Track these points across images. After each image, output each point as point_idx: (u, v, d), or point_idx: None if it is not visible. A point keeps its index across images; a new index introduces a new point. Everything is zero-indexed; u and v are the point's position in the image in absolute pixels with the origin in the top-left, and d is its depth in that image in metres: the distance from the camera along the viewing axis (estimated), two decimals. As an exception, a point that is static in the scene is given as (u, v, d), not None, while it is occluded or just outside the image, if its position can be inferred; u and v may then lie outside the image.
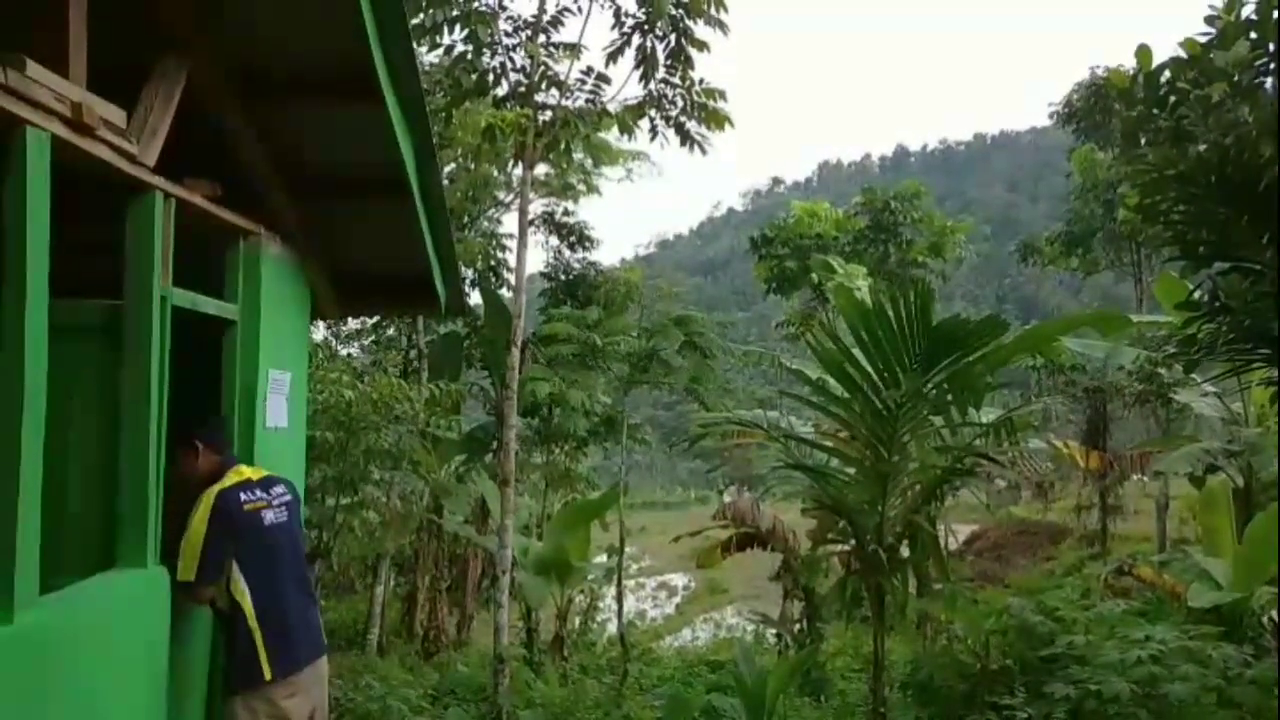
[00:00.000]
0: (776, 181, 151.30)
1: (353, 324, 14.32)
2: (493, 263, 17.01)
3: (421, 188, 4.93)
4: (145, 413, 3.33)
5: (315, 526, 7.14)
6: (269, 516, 3.85)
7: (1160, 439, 13.81)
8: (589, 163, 14.61)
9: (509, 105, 7.83)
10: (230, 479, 3.80)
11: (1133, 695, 5.59)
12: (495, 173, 15.58)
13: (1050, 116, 18.52)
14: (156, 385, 3.38)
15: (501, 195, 16.39)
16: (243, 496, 3.76)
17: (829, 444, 6.87)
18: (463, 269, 16.37)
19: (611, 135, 12.51)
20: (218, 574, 3.64)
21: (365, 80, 4.02)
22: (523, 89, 7.76)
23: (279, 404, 4.51)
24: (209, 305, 3.94)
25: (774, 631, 12.51)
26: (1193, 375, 10.36)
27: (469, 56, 7.50)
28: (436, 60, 9.79)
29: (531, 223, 17.15)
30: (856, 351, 6.16)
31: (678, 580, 28.89)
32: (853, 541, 6.51)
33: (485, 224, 16.53)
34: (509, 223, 18.23)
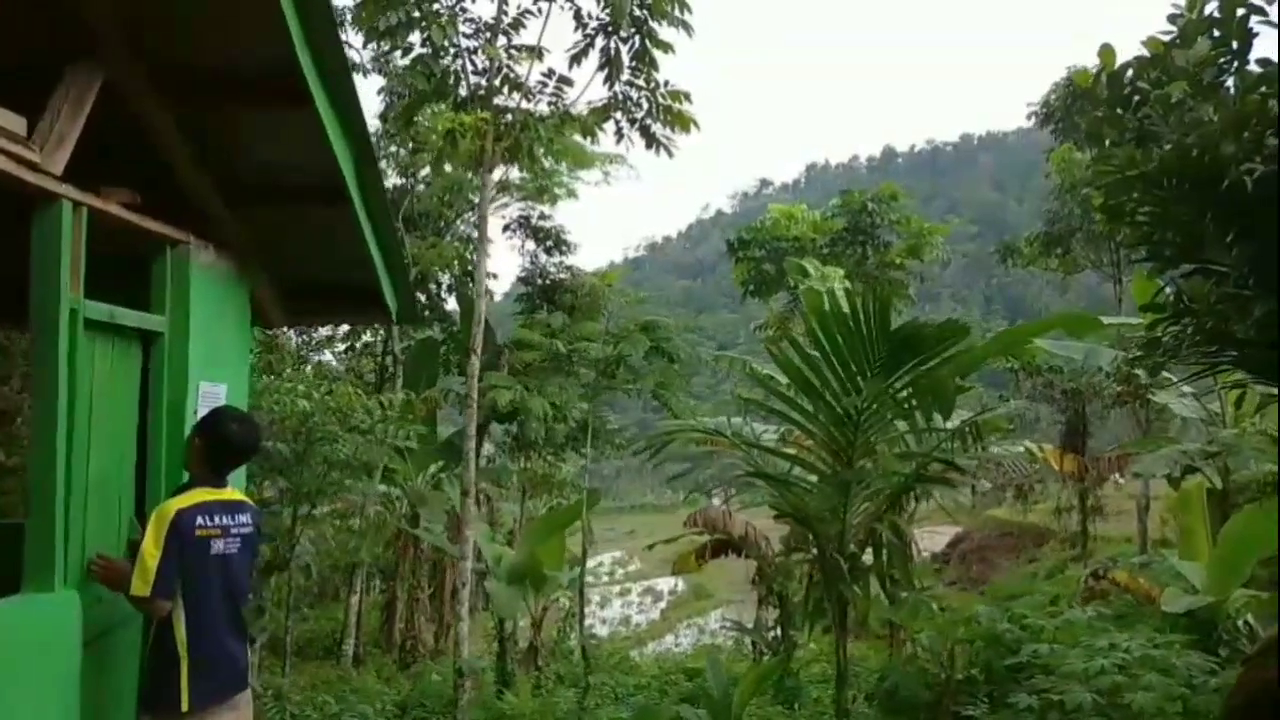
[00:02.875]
0: (764, 183, 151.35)
1: (323, 331, 14.20)
2: (469, 268, 16.92)
3: (363, 195, 4.81)
4: (53, 429, 3.21)
5: (271, 539, 7.02)
6: (217, 546, 3.71)
7: (1139, 440, 13.74)
8: (563, 166, 14.50)
9: (469, 108, 7.72)
10: (195, 497, 3.67)
11: (1096, 705, 5.51)
12: (470, 176, 15.49)
13: (1028, 117, 18.51)
14: (65, 400, 3.25)
15: (477, 199, 16.31)
16: (199, 520, 3.64)
17: (792, 451, 6.76)
18: (439, 274, 16.29)
19: (587, 139, 12.44)
20: (172, 588, 3.53)
21: (294, 85, 3.91)
22: (481, 92, 7.64)
23: (211, 417, 4.37)
24: (129, 317, 3.82)
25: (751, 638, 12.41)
26: (1169, 376, 10.28)
27: (425, 59, 7.39)
28: (406, 64, 9.68)
29: (507, 227, 17.08)
30: (819, 357, 6.06)
31: (663, 585, 28.80)
32: (815, 549, 6.41)
33: (461, 228, 16.44)
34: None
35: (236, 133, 4.34)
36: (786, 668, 9.79)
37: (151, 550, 3.48)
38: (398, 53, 7.94)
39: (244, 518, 3.86)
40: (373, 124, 16.17)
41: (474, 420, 7.35)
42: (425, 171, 16.18)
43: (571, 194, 15.84)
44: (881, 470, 6.21)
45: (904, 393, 6.11)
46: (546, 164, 14.11)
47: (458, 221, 16.07)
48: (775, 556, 8.69)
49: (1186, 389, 12.38)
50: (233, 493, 3.89)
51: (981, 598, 11.20)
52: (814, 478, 6.49)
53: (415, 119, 9.13)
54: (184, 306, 4.15)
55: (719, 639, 18.24)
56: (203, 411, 4.29)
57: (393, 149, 16.19)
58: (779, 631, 10.86)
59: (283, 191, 4.77)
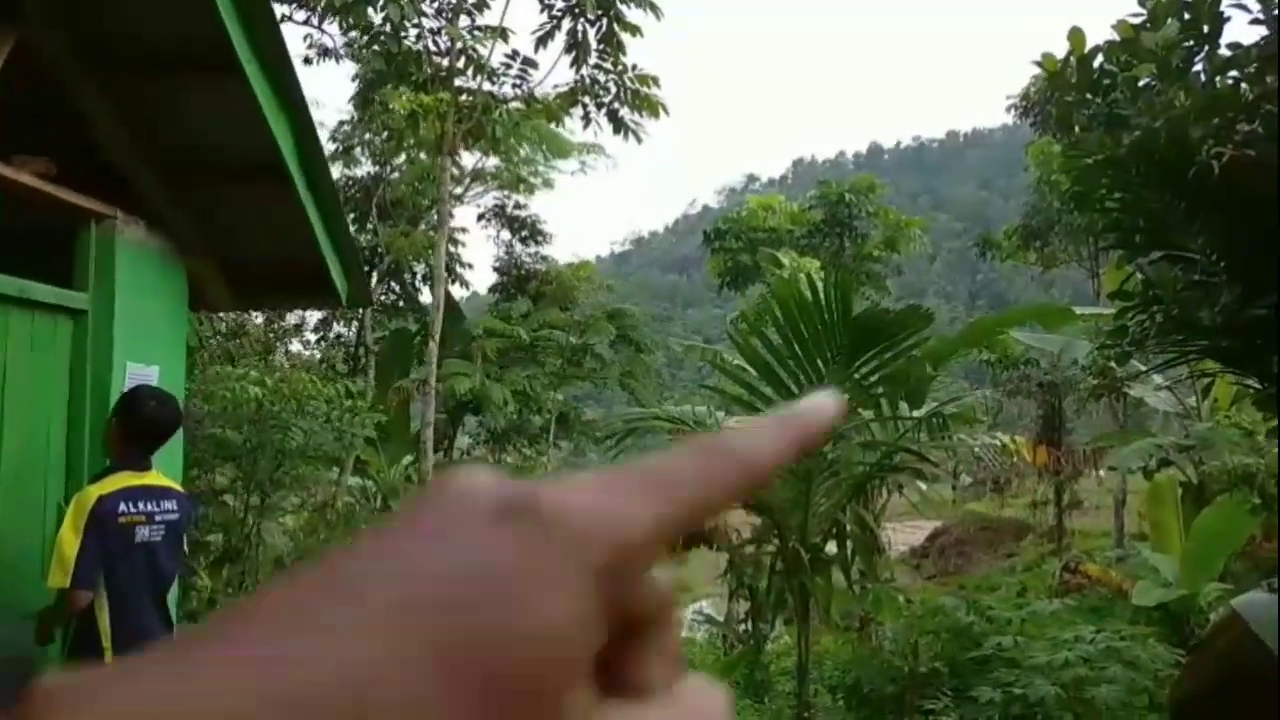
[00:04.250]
0: (751, 178, 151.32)
1: (290, 319, 14.01)
2: (445, 257, 16.74)
3: (306, 174, 4.65)
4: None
5: (221, 529, 6.85)
6: (142, 533, 3.56)
7: (1115, 433, 13.70)
8: (539, 155, 14.32)
9: (429, 89, 7.56)
10: (117, 483, 3.52)
11: (1059, 699, 5.41)
12: (444, 162, 15.30)
13: (1007, 110, 18.40)
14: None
15: (452, 187, 16.12)
16: (121, 506, 3.48)
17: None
18: (413, 264, 16.10)
19: (559, 125, 12.26)
20: (93, 578, 3.37)
21: (224, 57, 3.76)
22: (444, 73, 7.48)
23: (142, 400, 4.21)
24: (45, 293, 3.66)
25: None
26: (1138, 365, 10.22)
27: (382, 38, 7.23)
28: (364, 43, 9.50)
29: (482, 216, 16.91)
30: (783, 343, 5.95)
31: (644, 579, 28.65)
32: (777, 540, 6.29)
33: (436, 217, 16.26)
34: (461, 216, 17.97)
35: (168, 107, 4.18)
36: (757, 660, 9.67)
37: (70, 539, 3.33)
38: (356, 32, 7.77)
39: (169, 504, 3.70)
40: (347, 110, 15.96)
41: (432, 408, 7.22)
42: (401, 159, 16.00)
43: (548, 184, 15.68)
44: (844, 460, 6.10)
45: (867, 381, 6.01)
46: (522, 152, 13.95)
47: (431, 210, 15.89)
48: (743, 547, 8.57)
49: (1159, 380, 12.33)
50: (157, 477, 3.74)
51: (960, 591, 11.10)
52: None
53: (387, 103, 8.90)
54: (109, 284, 4.00)
55: (697, 633, 18.14)
56: (132, 393, 4.14)
57: (367, 136, 15.99)
58: (749, 624, 10.75)
59: (221, 169, 4.61)
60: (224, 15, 3.59)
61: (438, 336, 7.30)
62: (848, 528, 6.30)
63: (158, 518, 3.62)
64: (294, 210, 4.80)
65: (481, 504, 0.22)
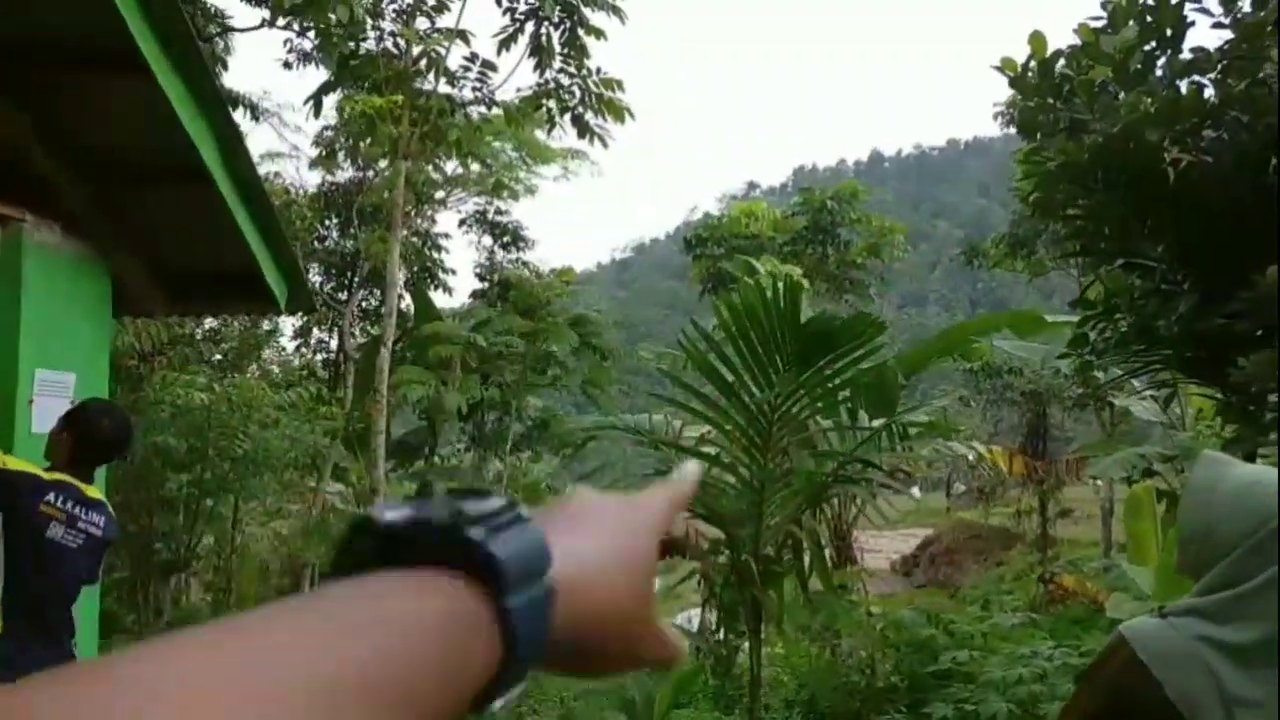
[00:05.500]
0: (752, 186, 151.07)
1: (266, 324, 13.89)
2: (427, 263, 16.64)
3: (232, 176, 4.54)
4: None
5: (169, 538, 6.72)
6: (55, 531, 3.42)
7: (1099, 443, 13.54)
8: (519, 161, 14.21)
9: (383, 92, 7.45)
10: (57, 475, 3.41)
11: (1011, 715, 5.27)
12: (430, 170, 15.18)
13: (994, 118, 18.22)
14: None
15: (437, 193, 16.01)
16: (50, 495, 3.35)
17: (710, 450, 6.50)
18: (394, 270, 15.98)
19: (548, 134, 12.13)
20: None
21: (132, 57, 3.65)
22: (398, 75, 7.37)
23: (54, 407, 4.10)
24: (-61, 298, 3.55)
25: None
26: (1115, 372, 10.07)
27: (335, 40, 7.12)
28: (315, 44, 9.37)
29: (464, 222, 16.82)
30: (731, 351, 5.81)
31: (635, 587, 28.49)
32: (728, 552, 6.15)
33: (419, 222, 16.15)
34: (444, 221, 17.87)
35: (79, 106, 4.08)
36: (729, 673, 9.52)
37: None
38: (313, 34, 7.66)
39: (97, 517, 3.56)
40: (331, 115, 15.85)
41: (383, 414, 7.11)
42: (385, 164, 15.91)
43: (530, 190, 15.55)
44: (799, 470, 5.96)
45: (822, 388, 5.87)
46: (502, 158, 13.85)
47: (414, 215, 15.78)
48: (709, 556, 8.42)
49: (1137, 386, 12.17)
50: (97, 491, 3.62)
51: (937, 602, 10.98)
52: (732, 478, 6.23)
53: (341, 107, 8.79)
54: (13, 288, 3.89)
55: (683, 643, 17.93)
56: (41, 401, 4.04)
57: (351, 141, 15.90)
58: (721, 635, 10.59)
59: (141, 172, 4.50)
60: (123, 11, 3.48)
61: (389, 343, 7.19)
62: (802, 540, 6.16)
63: (80, 524, 3.48)
64: (224, 214, 4.70)
65: (613, 499, 0.50)
